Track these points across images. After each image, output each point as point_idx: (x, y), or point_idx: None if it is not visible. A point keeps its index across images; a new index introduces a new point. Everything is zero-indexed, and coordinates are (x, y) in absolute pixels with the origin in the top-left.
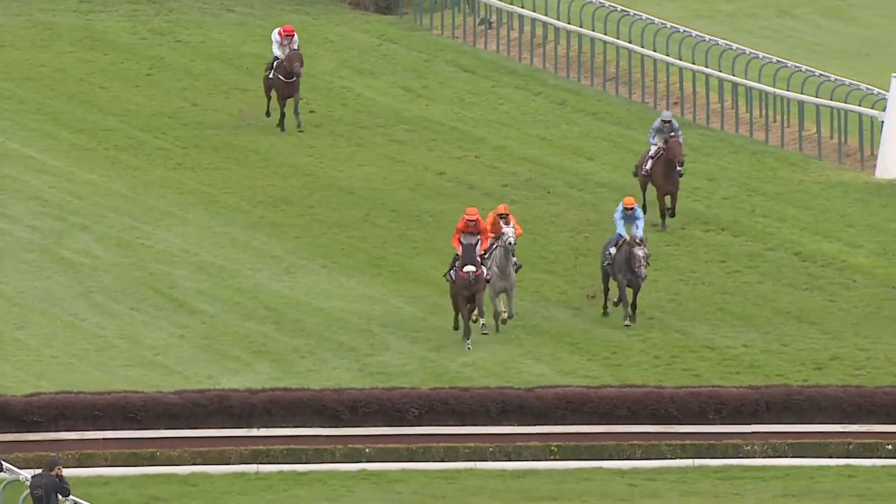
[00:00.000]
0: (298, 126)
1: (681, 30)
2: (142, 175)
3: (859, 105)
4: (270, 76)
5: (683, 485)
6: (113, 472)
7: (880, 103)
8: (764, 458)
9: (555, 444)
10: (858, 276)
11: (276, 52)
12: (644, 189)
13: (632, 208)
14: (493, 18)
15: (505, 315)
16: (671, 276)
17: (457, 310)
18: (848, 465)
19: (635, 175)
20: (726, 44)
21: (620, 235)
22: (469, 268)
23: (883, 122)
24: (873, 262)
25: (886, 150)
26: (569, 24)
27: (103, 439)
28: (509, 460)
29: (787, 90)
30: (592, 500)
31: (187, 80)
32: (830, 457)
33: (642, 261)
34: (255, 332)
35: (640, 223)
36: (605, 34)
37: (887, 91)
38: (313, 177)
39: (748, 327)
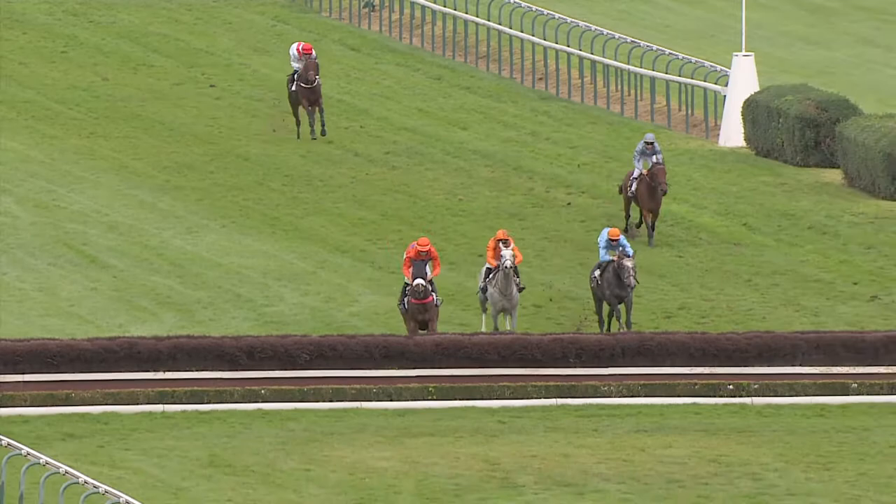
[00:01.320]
0: (323, 130)
1: (545, 13)
2: (58, 143)
3: (704, 81)
4: (293, 88)
5: (547, 421)
6: (32, 412)
7: (723, 79)
8: (619, 397)
9: (432, 385)
10: (703, 234)
11: (295, 65)
12: (628, 206)
13: (616, 239)
14: (377, 2)
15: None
16: (536, 234)
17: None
18: (694, 404)
19: (620, 192)
20: (586, 25)
21: (605, 260)
22: (419, 281)
23: (725, 96)
24: (717, 221)
25: (728, 122)
26: (444, 7)
27: (23, 382)
28: (391, 400)
29: (640, 67)
30: (466, 435)
31: (99, 57)
32: (678, 396)
33: (630, 271)
34: (160, 284)
35: (628, 249)
36: (477, 17)
37: (729, 68)
38: (214, 145)
39: None
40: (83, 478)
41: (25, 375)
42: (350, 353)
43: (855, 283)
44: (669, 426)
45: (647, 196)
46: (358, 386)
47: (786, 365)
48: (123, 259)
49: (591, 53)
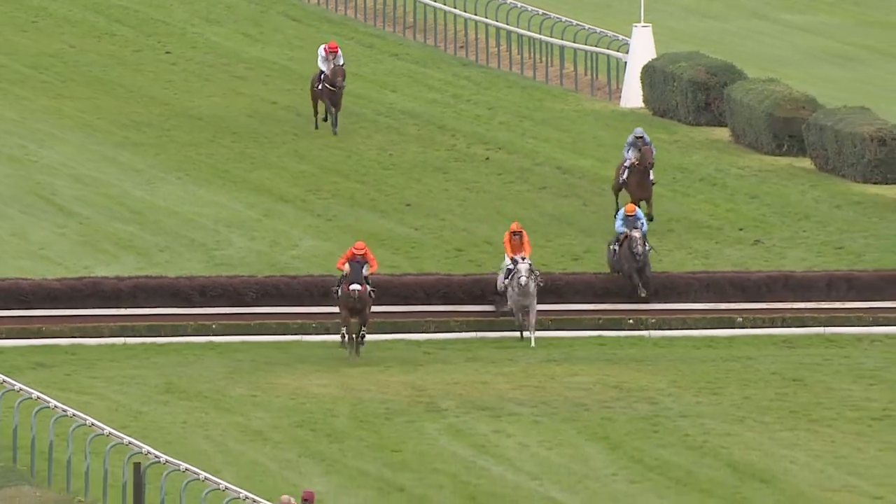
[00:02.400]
0: (334, 128)
1: None
2: (28, 104)
3: (607, 49)
4: (319, 87)
5: (468, 353)
6: (6, 344)
7: (624, 47)
8: (532, 331)
9: None
10: (607, 186)
11: (321, 66)
12: (617, 195)
13: (633, 214)
14: None
15: (531, 335)
16: (459, 186)
17: (344, 324)
18: (598, 336)
19: (615, 185)
20: None
21: (621, 232)
22: (354, 286)
23: (626, 62)
24: None
25: (629, 85)
26: None
27: None
28: (328, 334)
29: (550, 37)
30: (395, 365)
31: (66, 26)
32: (584, 329)
33: (639, 241)
34: (122, 230)
35: (643, 223)
36: None
37: (629, 38)
38: (169, 105)
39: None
40: (53, 402)
41: (0, 311)
42: (292, 291)
43: (740, 229)
44: (576, 356)
45: (636, 185)
46: (299, 321)
47: (679, 301)
48: (88, 207)
49: (507, 24)
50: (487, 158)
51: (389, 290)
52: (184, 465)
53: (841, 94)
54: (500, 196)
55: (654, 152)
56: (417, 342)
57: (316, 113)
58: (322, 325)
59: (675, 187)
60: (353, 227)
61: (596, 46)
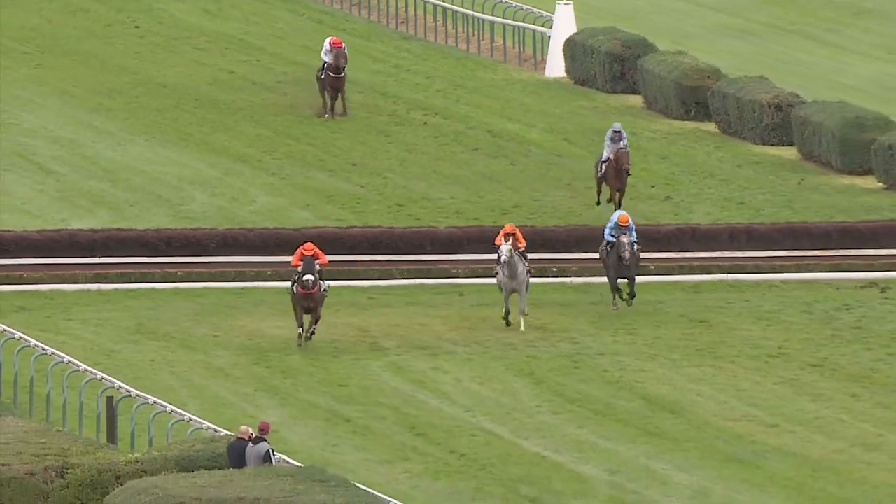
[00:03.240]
0: (344, 111)
1: None
2: (10, 73)
3: (533, 24)
4: (322, 76)
5: (408, 298)
6: None
7: (548, 23)
8: (465, 278)
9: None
10: (533, 147)
11: (325, 57)
12: (599, 186)
13: (625, 224)
14: None
15: (521, 317)
16: (399, 147)
17: (297, 319)
18: None
19: (595, 176)
20: None
21: (608, 241)
22: (308, 276)
23: (549, 36)
24: (543, 137)
25: (552, 57)
26: None
27: None
28: (282, 281)
29: (483, 13)
30: (342, 308)
31: (44, 3)
32: None
33: (626, 247)
34: (95, 187)
35: (633, 234)
36: None
37: (553, 14)
38: (138, 75)
39: (455, 184)
40: (34, 342)
41: None
42: (249, 242)
43: (652, 186)
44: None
45: (613, 177)
46: (256, 269)
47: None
48: (65, 166)
49: (443, 2)
50: (425, 123)
51: (337, 242)
52: (152, 399)
53: (742, 66)
54: (436, 157)
55: (629, 152)
56: (362, 288)
57: (325, 104)
58: (277, 273)
59: (593, 149)
60: (303, 185)
61: (523, 22)
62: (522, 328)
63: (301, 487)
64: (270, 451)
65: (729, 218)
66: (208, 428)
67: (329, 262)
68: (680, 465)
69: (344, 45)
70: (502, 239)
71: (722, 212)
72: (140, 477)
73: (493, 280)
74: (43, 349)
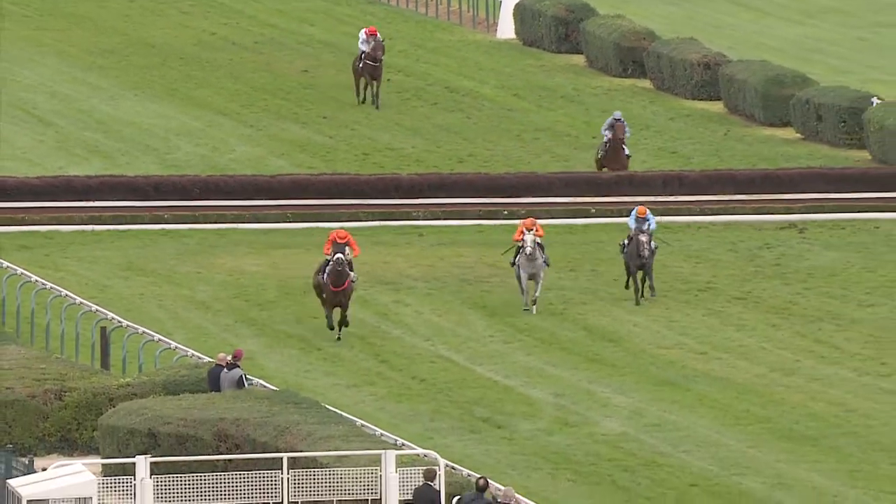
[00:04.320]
0: (376, 100)
1: None
2: (11, 34)
3: None
4: (360, 65)
5: (373, 238)
6: None
7: None
8: (425, 220)
9: (289, 212)
10: (486, 102)
11: (362, 46)
12: (599, 169)
13: (644, 216)
14: None
15: (532, 305)
16: (366, 103)
17: (327, 309)
18: (478, 224)
19: (597, 162)
20: None
21: (632, 228)
22: (339, 256)
23: (501, 1)
24: (495, 92)
25: (503, 20)
26: None
27: None
28: (258, 222)
29: None
30: (314, 248)
31: None
32: (467, 219)
33: (645, 245)
34: (90, 138)
35: (652, 224)
36: None
37: None
38: (128, 36)
39: (414, 136)
40: (34, 277)
41: None
42: (229, 188)
43: (594, 137)
44: (461, 241)
45: (613, 159)
46: (236, 213)
47: (545, 196)
48: (63, 119)
49: None
50: (388, 80)
51: (309, 188)
52: (141, 329)
53: (675, 28)
54: (399, 111)
55: (628, 130)
56: (332, 229)
57: (358, 92)
58: (254, 216)
59: (541, 104)
60: (278, 136)
61: None
62: (534, 311)
63: (276, 409)
64: (243, 376)
65: (662, 166)
66: (192, 355)
67: (346, 250)
68: (618, 388)
69: (379, 33)
70: (524, 230)
71: (656, 160)
72: (131, 399)
73: (457, 223)
74: (42, 284)
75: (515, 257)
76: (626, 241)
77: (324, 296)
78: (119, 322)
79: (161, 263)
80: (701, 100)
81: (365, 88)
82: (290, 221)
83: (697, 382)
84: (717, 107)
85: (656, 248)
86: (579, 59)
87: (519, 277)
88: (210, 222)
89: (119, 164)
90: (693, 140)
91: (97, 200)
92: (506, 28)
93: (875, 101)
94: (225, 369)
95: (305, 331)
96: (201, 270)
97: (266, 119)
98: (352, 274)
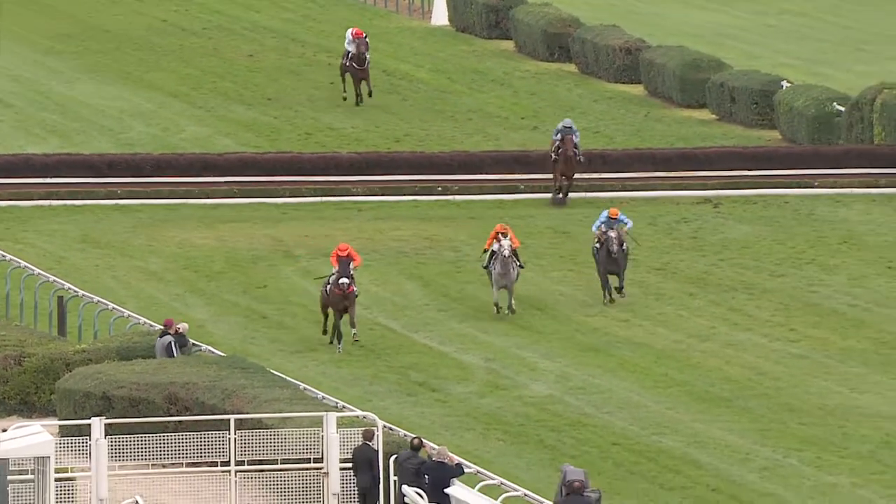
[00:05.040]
0: (367, 94)
1: None
2: None
3: None
4: (346, 63)
5: (316, 213)
6: None
7: None
8: (363, 196)
9: (237, 188)
10: (421, 85)
11: (348, 47)
12: (554, 173)
13: (615, 217)
14: None
15: (507, 309)
16: (308, 84)
17: (325, 317)
18: (414, 200)
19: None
20: None
21: (597, 231)
22: (343, 280)
23: None
24: (431, 75)
25: (437, 7)
26: None
27: None
28: (207, 198)
29: None
30: (259, 222)
31: None
32: (404, 195)
33: (614, 241)
34: (48, 118)
35: (629, 223)
36: None
37: None
38: (85, 22)
39: (355, 116)
40: None
41: None
42: (179, 165)
43: (522, 118)
44: (398, 215)
45: (563, 165)
46: (185, 188)
47: (477, 173)
48: (22, 100)
49: None
50: (329, 64)
51: (255, 165)
52: (96, 298)
53: (598, 15)
54: (338, 92)
55: (577, 136)
56: (276, 205)
57: (344, 89)
58: (202, 191)
59: (473, 86)
60: (225, 117)
61: None
62: (512, 312)
63: (224, 373)
64: (172, 342)
65: (587, 145)
66: (144, 323)
67: (353, 262)
68: (545, 353)
69: (365, 34)
70: (498, 237)
71: (581, 140)
72: (86, 364)
73: (394, 198)
74: (2, 256)
75: (490, 262)
76: (597, 245)
77: (329, 307)
78: (75, 292)
79: (115, 236)
80: (623, 83)
81: (357, 84)
82: (236, 197)
83: (619, 348)
84: (638, 90)
85: (627, 248)
86: (509, 45)
87: (492, 282)
88: (161, 198)
89: (75, 143)
90: (615, 121)
91: (55, 177)
92: (440, 15)
93: (784, 84)
94: (170, 337)
95: (251, 300)
96: (152, 243)
97: (214, 101)
98: (355, 287)
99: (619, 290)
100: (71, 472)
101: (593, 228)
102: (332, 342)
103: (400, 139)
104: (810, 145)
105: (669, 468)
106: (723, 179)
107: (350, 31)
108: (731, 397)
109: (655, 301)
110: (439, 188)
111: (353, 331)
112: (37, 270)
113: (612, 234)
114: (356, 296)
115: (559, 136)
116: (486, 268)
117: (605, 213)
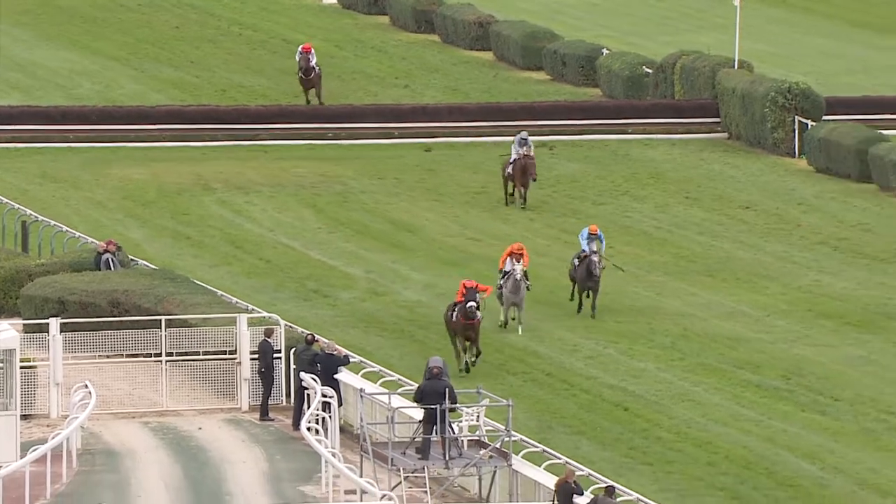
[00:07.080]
0: (319, 99)
1: None
2: None
3: None
4: (299, 75)
5: (230, 154)
6: None
7: None
8: (269, 140)
9: (166, 133)
10: (314, 51)
11: (300, 62)
12: (506, 184)
13: (595, 233)
14: None
15: (518, 325)
16: (223, 51)
17: (455, 345)
18: (310, 144)
19: (503, 175)
20: None
21: (584, 251)
22: (471, 304)
23: None
24: (322, 44)
25: None
26: None
27: None
28: (142, 142)
29: None
30: (185, 161)
31: None
32: (301, 139)
33: (596, 264)
34: (11, 77)
35: (603, 242)
36: None
37: None
38: (44, 0)
39: (261, 76)
40: None
41: None
42: (120, 115)
43: (396, 78)
44: (296, 156)
45: (519, 177)
46: (124, 133)
47: (360, 122)
48: None
49: None
50: (240, 34)
51: (180, 116)
52: (53, 222)
53: None
54: (248, 57)
55: (531, 146)
56: (198, 147)
57: (308, 100)
58: (138, 136)
59: (356, 52)
60: (156, 76)
61: None
62: (520, 332)
63: (157, 283)
64: (109, 258)
65: (448, 100)
66: (91, 243)
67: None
68: (415, 267)
69: (311, 48)
70: (508, 257)
71: (443, 95)
72: (45, 275)
73: (294, 142)
74: None
75: (501, 281)
76: (576, 262)
77: (454, 331)
78: (36, 217)
79: (68, 173)
80: (476, 50)
81: (307, 91)
82: (165, 141)
83: (474, 262)
84: (489, 56)
85: (604, 267)
86: (385, 20)
87: (502, 301)
88: (105, 141)
89: (35, 97)
90: (471, 80)
91: (18, 125)
92: None
93: (605, 51)
94: (108, 255)
95: (178, 224)
96: (99, 178)
97: (147, 63)
98: (479, 314)
99: (593, 312)
100: (33, 361)
101: (582, 245)
102: (460, 370)
103: (298, 95)
104: (625, 100)
105: (512, 357)
106: (556, 127)
107: (301, 46)
108: (562, 302)
109: (503, 224)
110: (330, 134)
111: (474, 359)
112: (4, 200)
113: (595, 256)
114: (479, 323)
115: (516, 148)
116: (499, 288)
117: (585, 231)
